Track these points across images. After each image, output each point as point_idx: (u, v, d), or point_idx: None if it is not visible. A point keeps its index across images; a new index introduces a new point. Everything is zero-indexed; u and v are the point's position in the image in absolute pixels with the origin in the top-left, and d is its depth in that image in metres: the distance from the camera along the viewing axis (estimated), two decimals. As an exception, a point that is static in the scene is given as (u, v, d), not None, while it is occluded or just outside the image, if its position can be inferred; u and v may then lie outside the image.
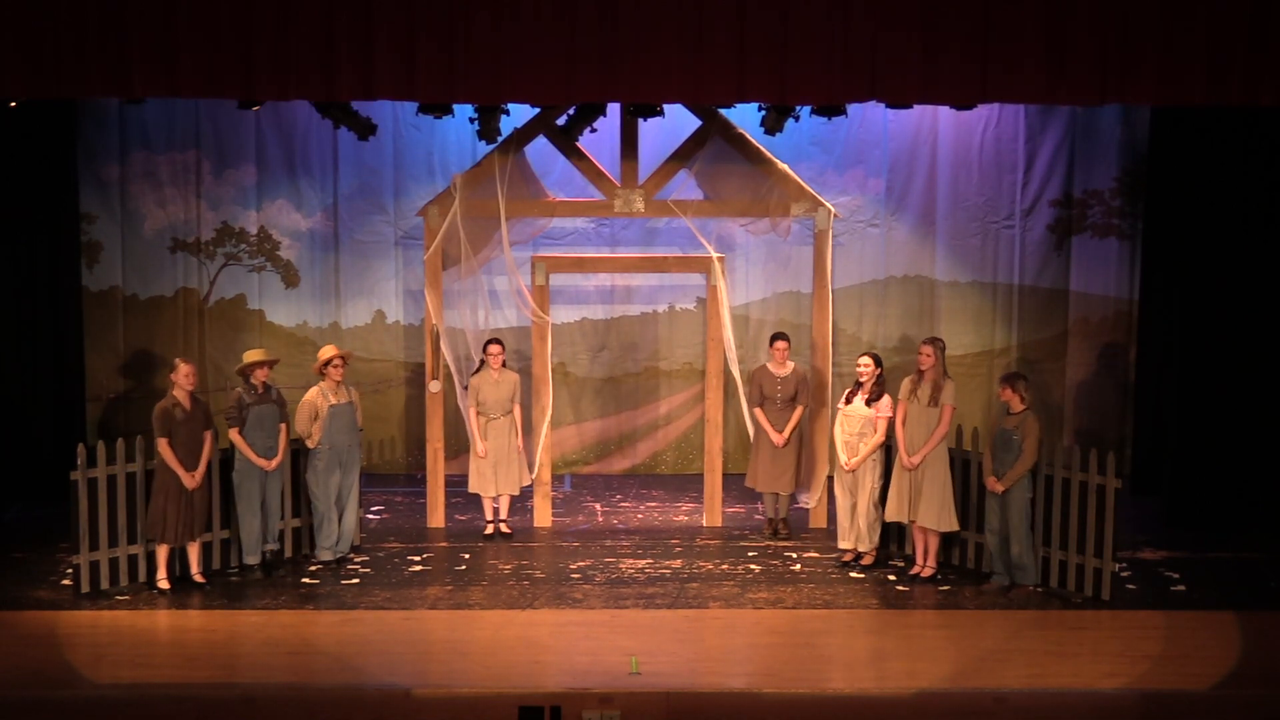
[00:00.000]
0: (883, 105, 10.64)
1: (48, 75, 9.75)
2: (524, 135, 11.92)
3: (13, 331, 12.64)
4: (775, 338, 11.98)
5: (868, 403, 11.09)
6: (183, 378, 10.62)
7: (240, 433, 10.87)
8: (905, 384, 11.02)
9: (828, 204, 12.10)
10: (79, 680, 9.06)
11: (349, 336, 13.75)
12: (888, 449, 11.16)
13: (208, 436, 10.69)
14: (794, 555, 11.55)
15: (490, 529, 12.09)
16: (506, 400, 11.93)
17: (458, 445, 12.86)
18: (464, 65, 9.83)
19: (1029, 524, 10.58)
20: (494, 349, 11.93)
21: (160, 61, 9.73)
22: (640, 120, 11.72)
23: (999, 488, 10.50)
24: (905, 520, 11.03)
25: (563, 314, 13.67)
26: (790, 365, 11.91)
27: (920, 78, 9.88)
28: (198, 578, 10.79)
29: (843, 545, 11.33)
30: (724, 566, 11.30)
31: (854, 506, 11.19)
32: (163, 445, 10.51)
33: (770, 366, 11.93)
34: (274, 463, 10.99)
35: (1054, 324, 13.89)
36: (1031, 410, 10.59)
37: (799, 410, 11.83)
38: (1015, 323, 13.88)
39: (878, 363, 11.19)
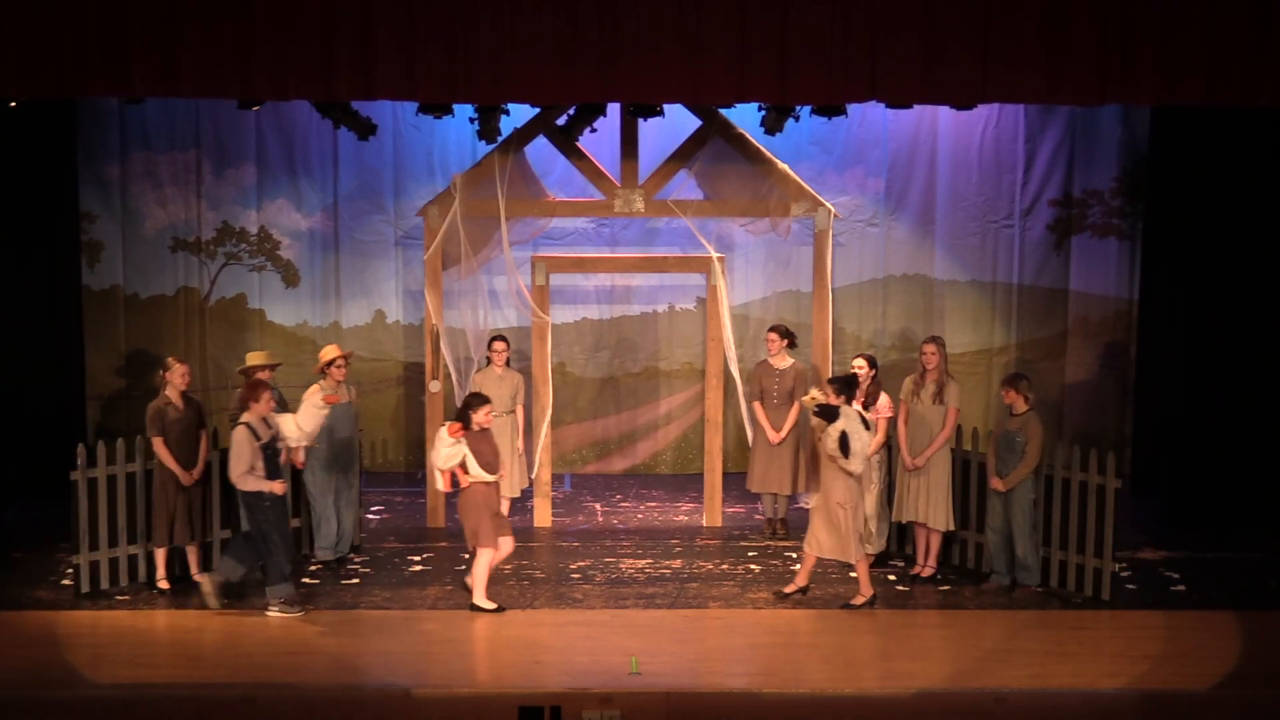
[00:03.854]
0: (883, 105, 10.63)
1: (48, 75, 9.75)
2: (524, 135, 11.92)
3: (13, 331, 12.63)
4: (769, 330, 11.99)
5: (865, 405, 11.07)
6: (176, 377, 10.61)
7: (244, 433, 10.88)
8: (907, 383, 11.00)
9: (828, 204, 12.10)
10: (79, 680, 9.05)
11: (349, 336, 13.75)
12: (890, 448, 11.15)
13: (204, 435, 10.69)
14: (794, 555, 11.53)
15: (490, 529, 12.09)
16: (509, 398, 11.93)
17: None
18: (464, 65, 9.84)
19: (1033, 525, 10.57)
20: (498, 345, 11.95)
21: (160, 61, 9.73)
22: (640, 120, 11.72)
23: (1001, 487, 10.49)
24: (908, 520, 11.03)
25: (562, 314, 13.66)
26: (790, 360, 11.90)
27: (920, 78, 9.88)
28: (198, 578, 10.78)
29: (849, 546, 11.33)
30: (724, 566, 11.30)
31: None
32: (158, 444, 10.49)
33: (770, 360, 11.94)
34: (274, 463, 11.00)
35: (1054, 324, 13.88)
36: (1034, 411, 10.58)
37: (796, 408, 11.82)
38: (1015, 322, 13.88)
39: (872, 364, 11.18)
